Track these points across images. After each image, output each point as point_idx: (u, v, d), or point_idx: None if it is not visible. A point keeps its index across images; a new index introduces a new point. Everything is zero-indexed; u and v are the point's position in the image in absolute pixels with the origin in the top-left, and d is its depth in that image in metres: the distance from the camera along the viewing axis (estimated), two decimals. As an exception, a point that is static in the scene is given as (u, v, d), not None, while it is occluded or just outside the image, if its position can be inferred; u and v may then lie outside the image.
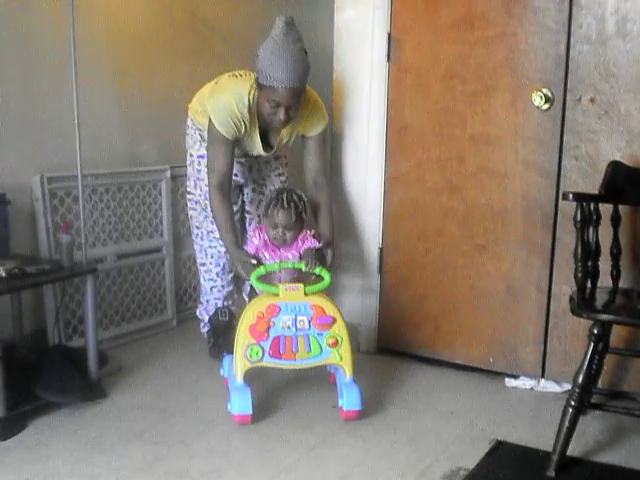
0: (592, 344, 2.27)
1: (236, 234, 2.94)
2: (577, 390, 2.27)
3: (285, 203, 2.72)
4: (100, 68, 3.22)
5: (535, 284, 2.94)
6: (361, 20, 3.19)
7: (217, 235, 3.03)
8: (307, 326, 2.58)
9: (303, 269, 2.69)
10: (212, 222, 3.02)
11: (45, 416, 2.57)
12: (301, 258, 2.75)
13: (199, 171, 3.06)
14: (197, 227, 3.18)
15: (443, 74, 3.03)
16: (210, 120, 2.82)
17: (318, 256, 2.77)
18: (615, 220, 2.57)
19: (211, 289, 3.22)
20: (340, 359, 2.60)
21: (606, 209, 2.53)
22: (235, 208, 3.13)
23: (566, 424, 2.27)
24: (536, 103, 2.83)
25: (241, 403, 2.52)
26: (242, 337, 2.58)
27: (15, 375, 2.50)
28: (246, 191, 3.21)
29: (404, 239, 3.23)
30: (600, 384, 2.75)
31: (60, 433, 2.47)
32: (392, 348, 3.29)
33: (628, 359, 2.80)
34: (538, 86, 2.83)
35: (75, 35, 2.73)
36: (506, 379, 3.02)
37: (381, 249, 3.28)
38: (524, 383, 2.99)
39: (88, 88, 2.95)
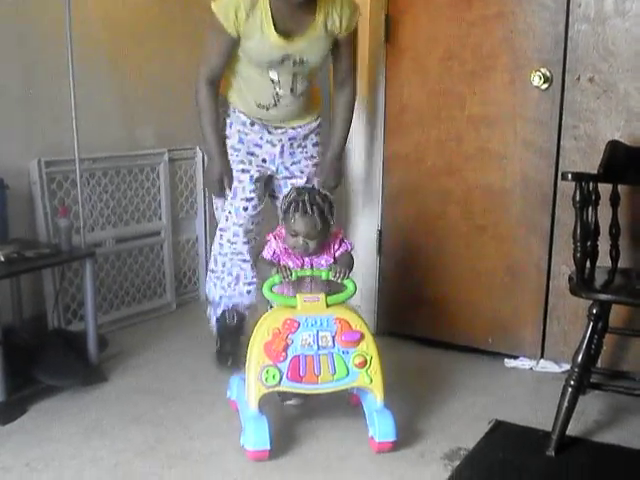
0: (591, 324, 2.27)
1: (221, 137, 2.77)
2: (576, 370, 2.27)
3: (308, 207, 2.29)
4: (97, 52, 3.20)
5: (534, 264, 2.94)
6: (358, 1, 3.16)
7: (245, 257, 2.86)
8: (331, 343, 2.23)
9: (323, 277, 2.33)
10: (227, 218, 2.82)
11: (45, 400, 2.57)
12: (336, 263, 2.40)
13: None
14: (221, 229, 2.89)
15: (441, 55, 3.02)
16: (211, 9, 2.61)
17: (346, 261, 2.43)
18: (614, 200, 2.56)
19: (220, 298, 2.95)
20: (370, 381, 2.24)
21: (605, 189, 2.52)
22: (261, 207, 2.85)
23: (565, 404, 2.28)
24: (535, 83, 2.82)
25: (257, 437, 2.17)
26: (256, 357, 2.22)
27: (15, 359, 2.50)
28: (277, 183, 2.91)
29: (403, 221, 3.22)
30: (599, 364, 2.75)
31: (60, 417, 2.48)
32: (392, 330, 3.29)
33: (627, 339, 2.80)
34: (537, 66, 2.82)
35: (72, 19, 2.72)
36: (505, 359, 3.03)
37: (380, 231, 3.28)
38: (523, 363, 2.99)
39: (85, 72, 2.93)
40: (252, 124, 2.78)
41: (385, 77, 3.16)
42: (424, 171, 3.12)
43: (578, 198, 2.31)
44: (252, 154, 2.80)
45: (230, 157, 2.78)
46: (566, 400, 2.28)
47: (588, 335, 2.28)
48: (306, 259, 2.38)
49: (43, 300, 3.04)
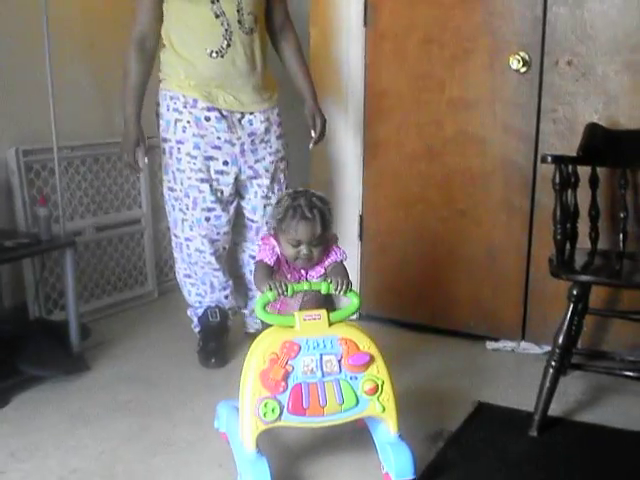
0: (572, 305, 2.29)
1: (140, 103, 2.65)
2: (557, 350, 2.29)
3: (307, 212, 2.04)
4: (74, 39, 3.18)
5: (514, 247, 2.96)
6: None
7: (215, 266, 2.80)
8: (337, 368, 1.93)
9: (323, 290, 2.01)
10: (190, 228, 2.73)
11: (28, 390, 2.56)
12: (325, 274, 2.14)
13: (179, 160, 2.68)
14: (176, 235, 2.82)
15: (420, 38, 3.02)
16: None
17: (342, 272, 2.10)
18: (593, 182, 2.59)
19: (199, 303, 2.91)
20: (382, 410, 1.96)
21: (584, 171, 2.54)
22: (228, 217, 2.77)
23: (547, 384, 2.30)
24: (514, 66, 2.83)
25: None
26: (251, 389, 1.90)
27: (-4, 350, 2.50)
28: (242, 184, 2.77)
29: (384, 206, 3.23)
30: (580, 345, 2.78)
31: (44, 406, 2.46)
32: (373, 314, 3.30)
33: (607, 320, 2.84)
34: (515, 49, 2.83)
35: (48, 6, 2.68)
36: (487, 342, 3.05)
37: (361, 216, 3.29)
38: (505, 345, 3.02)
39: (62, 60, 2.90)
40: (207, 119, 2.62)
41: (365, 62, 3.15)
42: (404, 155, 3.13)
43: (558, 180, 2.33)
44: (210, 158, 2.65)
45: (187, 165, 2.66)
46: (548, 381, 2.30)
47: (569, 316, 2.30)
48: (302, 272, 2.14)
49: (23, 290, 3.02)
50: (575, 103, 2.77)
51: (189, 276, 2.86)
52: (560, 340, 2.30)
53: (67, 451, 2.19)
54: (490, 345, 3.04)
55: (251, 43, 2.63)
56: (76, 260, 2.89)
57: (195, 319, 2.94)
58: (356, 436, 2.17)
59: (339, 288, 1.99)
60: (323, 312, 1.96)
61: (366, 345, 1.97)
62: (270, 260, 2.11)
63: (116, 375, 2.72)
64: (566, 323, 2.30)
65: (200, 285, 2.86)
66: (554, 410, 2.37)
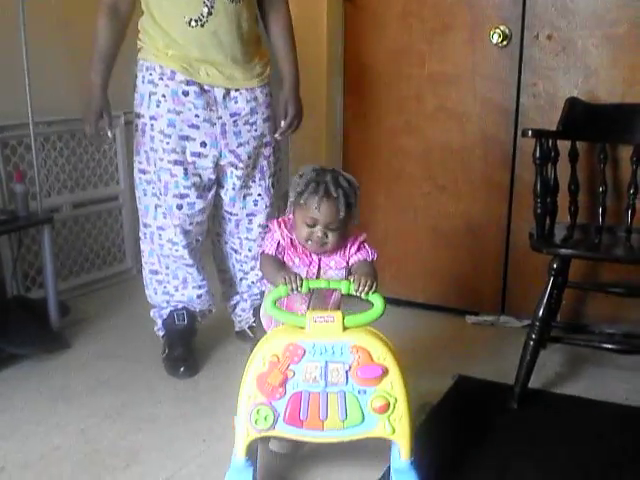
0: (552, 278, 2.31)
1: (107, 71, 2.42)
2: (537, 323, 2.31)
3: (332, 189, 1.81)
4: (49, 13, 3.11)
5: (494, 222, 2.98)
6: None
7: (188, 261, 2.54)
8: (343, 379, 1.71)
9: (343, 290, 1.79)
10: (164, 215, 2.48)
11: (8, 368, 2.55)
12: (349, 272, 1.93)
13: (152, 138, 2.42)
14: (145, 225, 2.54)
15: (400, 12, 3.00)
16: None
17: (369, 271, 1.88)
18: (573, 156, 2.60)
19: (167, 303, 2.64)
20: (392, 432, 1.73)
21: (564, 146, 2.55)
22: (203, 204, 2.51)
23: (527, 357, 2.32)
24: (494, 40, 2.82)
25: None
26: (247, 393, 1.74)
27: (-25, 328, 2.47)
28: (222, 170, 2.51)
29: (364, 181, 3.16)
30: (559, 318, 2.81)
31: (25, 385, 2.45)
32: (354, 290, 3.30)
33: (586, 293, 2.87)
34: (496, 23, 2.82)
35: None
36: (467, 316, 3.07)
37: (341, 191, 3.27)
38: (485, 319, 3.04)
39: (37, 34, 2.84)
40: (185, 93, 2.36)
41: (344, 36, 3.13)
42: (384, 130, 3.12)
43: (538, 155, 2.33)
44: (186, 138, 2.39)
45: (160, 145, 2.40)
46: (528, 353, 2.32)
47: (548, 289, 2.32)
48: (314, 257, 1.91)
49: (1, 268, 2.98)
50: (555, 77, 2.77)
51: (156, 272, 2.59)
52: (540, 313, 2.31)
53: (49, 429, 2.18)
54: (470, 319, 3.06)
55: (237, 13, 2.35)
56: (54, 237, 2.86)
57: (159, 321, 2.68)
58: (369, 447, 1.90)
59: (361, 289, 1.76)
60: (338, 314, 1.74)
61: (381, 356, 1.73)
62: (271, 249, 1.91)
63: (97, 352, 2.71)
64: (546, 296, 2.32)
65: (171, 280, 2.59)
66: (534, 382, 2.40)
